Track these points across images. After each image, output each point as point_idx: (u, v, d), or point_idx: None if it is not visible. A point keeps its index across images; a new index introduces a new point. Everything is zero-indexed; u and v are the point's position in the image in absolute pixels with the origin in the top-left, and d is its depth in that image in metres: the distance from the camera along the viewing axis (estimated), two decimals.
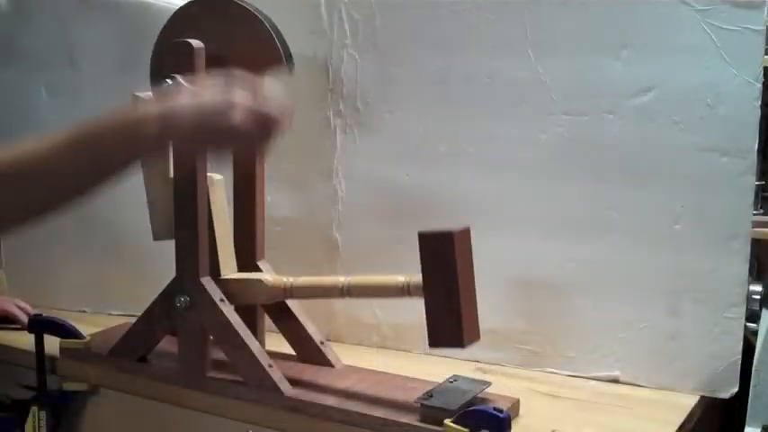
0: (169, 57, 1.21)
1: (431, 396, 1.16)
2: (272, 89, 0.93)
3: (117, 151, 0.89)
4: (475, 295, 1.15)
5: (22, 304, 1.55)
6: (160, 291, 1.28)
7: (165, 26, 1.29)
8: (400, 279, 1.17)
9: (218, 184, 1.29)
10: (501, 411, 1.07)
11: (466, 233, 1.14)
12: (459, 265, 1.11)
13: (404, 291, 1.17)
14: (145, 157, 1.01)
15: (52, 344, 1.38)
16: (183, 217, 1.24)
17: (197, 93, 0.91)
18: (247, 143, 0.95)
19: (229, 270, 1.30)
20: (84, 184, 0.91)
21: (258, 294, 1.29)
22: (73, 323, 1.40)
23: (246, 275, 1.30)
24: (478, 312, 1.16)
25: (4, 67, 1.62)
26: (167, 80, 1.19)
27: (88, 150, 0.89)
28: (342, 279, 1.22)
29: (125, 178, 0.91)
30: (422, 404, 1.15)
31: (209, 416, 1.27)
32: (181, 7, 1.29)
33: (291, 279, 1.27)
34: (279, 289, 1.27)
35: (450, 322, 1.12)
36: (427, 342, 1.14)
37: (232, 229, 1.33)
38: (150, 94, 1.24)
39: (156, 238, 1.27)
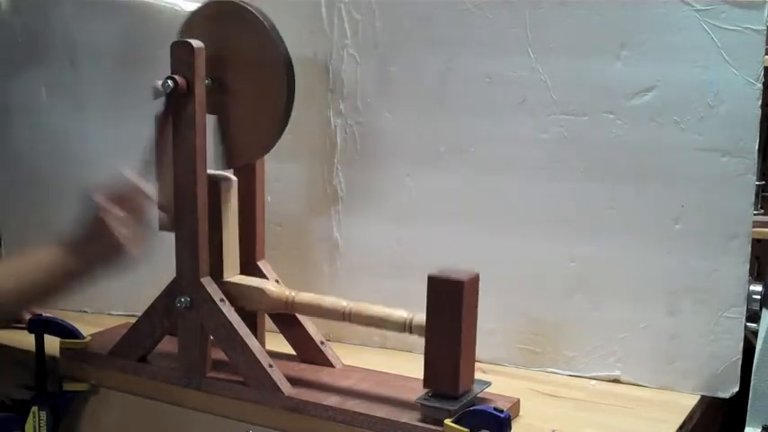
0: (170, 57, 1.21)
1: (431, 396, 1.16)
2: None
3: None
4: (474, 341, 1.16)
5: None
6: (160, 291, 1.28)
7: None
8: (403, 315, 1.18)
9: (233, 185, 1.29)
10: (501, 411, 1.07)
11: (475, 281, 1.14)
12: (464, 312, 1.12)
13: (405, 327, 1.18)
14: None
15: (52, 344, 1.38)
16: (183, 217, 1.24)
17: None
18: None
19: (232, 272, 1.30)
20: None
21: (259, 302, 1.29)
22: (73, 323, 1.40)
23: (249, 281, 1.30)
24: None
25: (3, 67, 1.62)
26: (168, 81, 1.19)
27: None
28: (344, 303, 1.23)
29: None
30: (422, 404, 1.15)
31: (209, 416, 1.27)
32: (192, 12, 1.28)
33: (294, 293, 1.27)
34: (280, 301, 1.27)
35: (447, 368, 1.13)
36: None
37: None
38: None
39: (162, 227, 1.27)
